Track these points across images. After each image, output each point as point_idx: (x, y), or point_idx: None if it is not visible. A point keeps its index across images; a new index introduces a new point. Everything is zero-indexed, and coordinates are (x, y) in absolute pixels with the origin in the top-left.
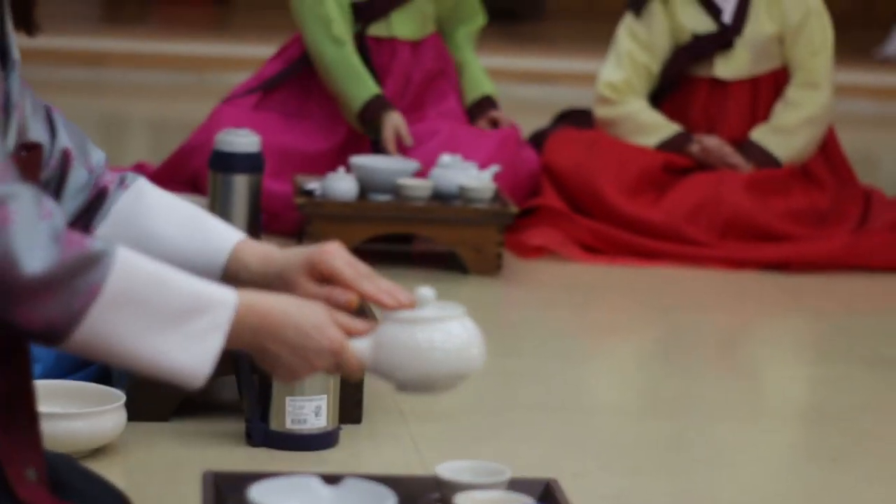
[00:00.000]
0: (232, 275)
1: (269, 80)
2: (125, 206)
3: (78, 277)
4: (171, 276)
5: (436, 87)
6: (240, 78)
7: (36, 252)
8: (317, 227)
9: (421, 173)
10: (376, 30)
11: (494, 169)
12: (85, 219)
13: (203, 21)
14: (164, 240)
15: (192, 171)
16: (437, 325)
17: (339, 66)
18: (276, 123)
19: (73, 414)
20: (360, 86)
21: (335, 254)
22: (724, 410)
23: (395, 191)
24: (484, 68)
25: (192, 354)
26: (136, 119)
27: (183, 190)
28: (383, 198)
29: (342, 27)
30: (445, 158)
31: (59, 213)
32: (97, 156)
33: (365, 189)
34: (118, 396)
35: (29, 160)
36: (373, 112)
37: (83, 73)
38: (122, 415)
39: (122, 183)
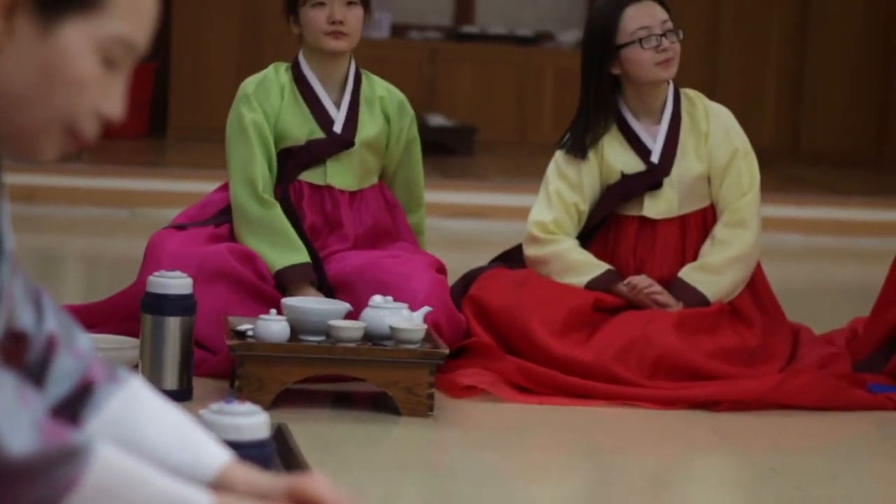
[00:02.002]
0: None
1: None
2: (120, 409)
3: (57, 468)
4: (148, 476)
5: (379, 243)
6: (172, 213)
7: (20, 437)
8: (249, 369)
9: (352, 315)
10: (310, 176)
11: (426, 310)
12: (71, 409)
13: (136, 156)
14: (154, 450)
15: None
16: None
17: (263, 226)
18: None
19: None
20: (281, 250)
21: (319, 483)
22: None
23: (327, 332)
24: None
25: None
26: (69, 255)
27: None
28: (315, 339)
29: (269, 188)
30: (377, 299)
31: (38, 402)
32: (84, 343)
33: (296, 331)
34: None
35: (14, 349)
36: (287, 281)
37: (15, 208)
38: None
39: (112, 377)
